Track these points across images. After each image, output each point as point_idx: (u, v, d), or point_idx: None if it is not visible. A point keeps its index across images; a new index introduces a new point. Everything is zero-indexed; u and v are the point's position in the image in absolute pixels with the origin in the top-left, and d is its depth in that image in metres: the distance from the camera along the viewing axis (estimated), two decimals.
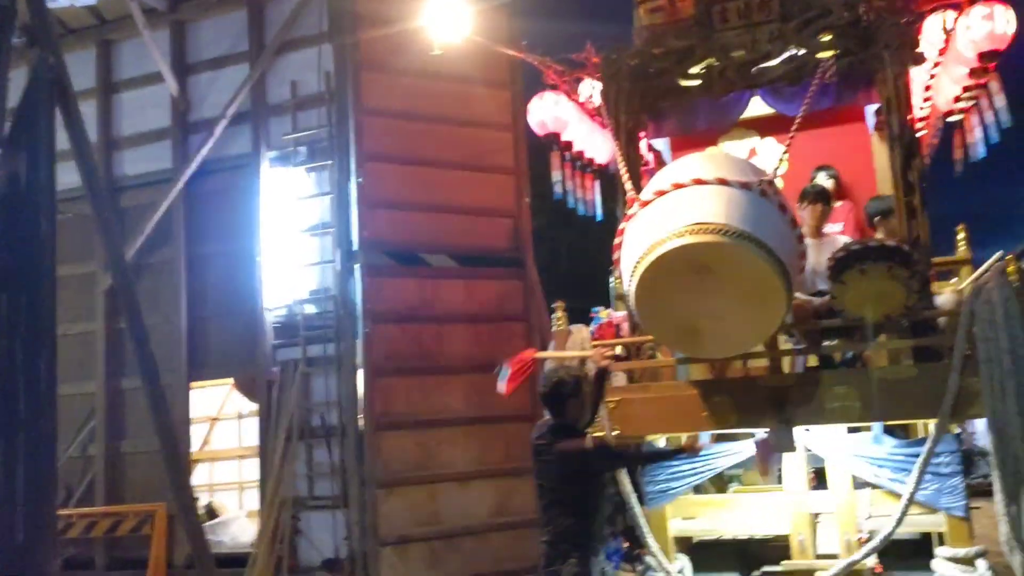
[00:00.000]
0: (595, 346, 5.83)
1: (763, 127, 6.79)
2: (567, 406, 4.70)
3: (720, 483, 7.02)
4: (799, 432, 5.44)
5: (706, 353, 5.30)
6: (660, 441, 6.36)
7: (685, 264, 4.58)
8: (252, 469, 10.26)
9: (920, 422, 5.95)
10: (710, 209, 4.61)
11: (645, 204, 4.98)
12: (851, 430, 5.76)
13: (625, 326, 6.16)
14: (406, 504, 8.63)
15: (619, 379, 5.82)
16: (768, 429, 5.36)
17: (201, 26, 10.22)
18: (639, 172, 6.04)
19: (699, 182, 4.79)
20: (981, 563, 5.02)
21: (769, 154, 6.76)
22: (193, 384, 9.94)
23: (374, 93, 9.16)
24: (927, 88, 6.15)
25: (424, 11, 6.30)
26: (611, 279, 6.95)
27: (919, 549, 5.67)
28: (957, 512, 5.26)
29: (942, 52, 5.78)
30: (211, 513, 10.40)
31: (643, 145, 6.45)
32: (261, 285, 9.39)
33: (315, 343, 9.13)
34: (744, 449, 5.91)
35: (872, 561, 5.43)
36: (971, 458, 10.84)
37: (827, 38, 5.68)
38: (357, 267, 8.92)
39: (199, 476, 11.21)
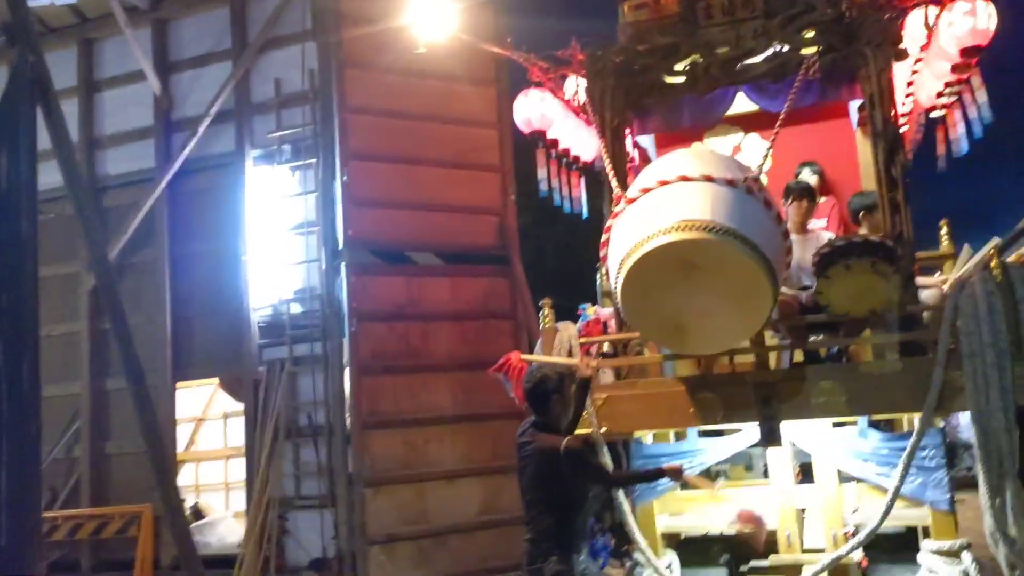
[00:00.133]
0: (582, 344, 5.84)
1: (747, 123, 6.81)
2: (550, 403, 4.67)
3: (707, 479, 7.03)
4: (785, 427, 5.46)
5: (693, 349, 5.31)
6: (647, 437, 6.39)
7: (672, 261, 4.58)
8: (238, 469, 10.22)
9: (905, 416, 6.01)
10: (696, 206, 4.62)
11: (631, 201, 4.98)
12: (836, 425, 5.79)
13: (612, 323, 6.17)
14: (394, 503, 8.61)
15: (606, 376, 5.83)
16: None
17: (183, 24, 10.15)
18: (625, 169, 6.04)
19: (685, 179, 4.79)
20: (966, 556, 5.06)
21: (753, 150, 6.79)
22: (178, 384, 9.88)
23: (358, 91, 9.13)
24: (909, 84, 6.18)
25: (408, 9, 6.29)
26: (597, 276, 6.97)
27: (905, 542, 5.71)
28: (942, 505, 5.31)
29: (924, 48, 5.80)
30: (197, 514, 10.35)
31: (628, 142, 6.45)
32: (246, 284, 9.35)
33: (301, 342, 9.10)
34: (731, 445, 5.94)
35: (859, 555, 5.46)
36: (954, 451, 10.93)
37: (810, 34, 5.71)
38: (343, 266, 8.90)
39: (185, 477, 11.14)
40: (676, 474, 4.91)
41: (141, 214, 9.72)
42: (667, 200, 4.78)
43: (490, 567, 8.41)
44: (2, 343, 4.74)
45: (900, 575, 5.57)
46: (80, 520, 9.19)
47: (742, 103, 6.25)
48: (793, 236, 5.52)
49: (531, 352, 6.89)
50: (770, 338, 5.63)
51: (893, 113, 5.56)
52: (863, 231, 5.94)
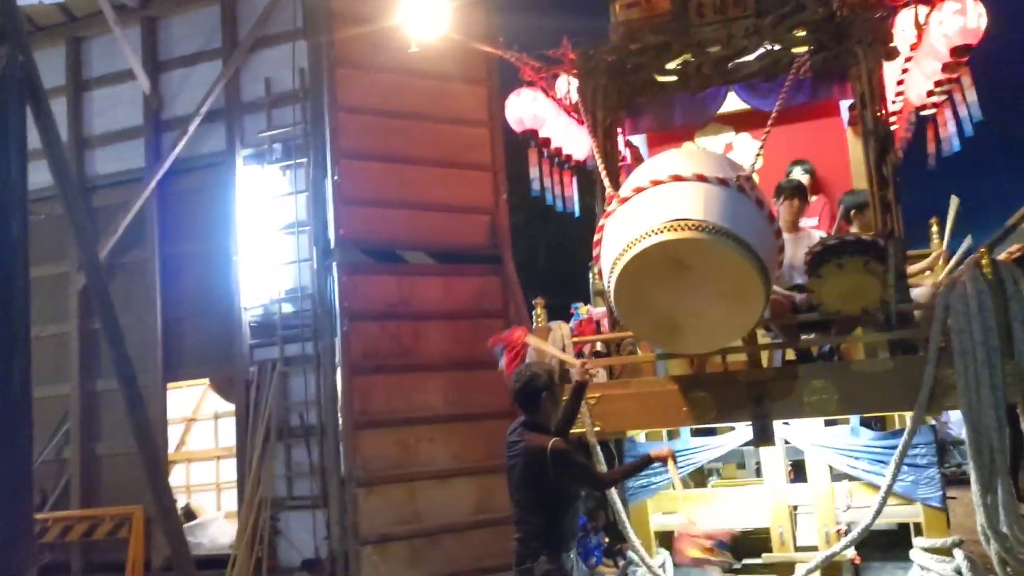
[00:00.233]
0: (575, 343, 5.84)
1: (738, 122, 6.84)
2: (540, 402, 4.57)
3: (700, 477, 7.06)
4: (778, 426, 5.48)
5: (686, 348, 5.32)
6: (640, 436, 6.40)
7: (664, 260, 4.59)
8: (229, 470, 10.18)
9: (896, 414, 6.03)
10: (689, 205, 4.63)
11: (624, 200, 4.99)
12: (828, 423, 5.81)
13: (604, 322, 6.18)
14: (386, 503, 8.59)
15: (599, 375, 5.83)
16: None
17: (173, 23, 10.09)
18: (617, 168, 6.05)
19: (678, 178, 4.80)
20: (958, 553, 5.08)
21: (744, 149, 6.82)
22: (169, 385, 9.84)
23: (349, 90, 9.10)
24: (899, 83, 6.20)
25: (399, 8, 6.27)
26: (590, 275, 6.98)
27: (897, 540, 5.74)
28: (934, 503, 5.33)
29: (914, 47, 5.83)
30: (189, 515, 10.30)
31: (619, 141, 6.46)
32: (237, 284, 9.30)
33: (292, 342, 9.07)
34: (724, 444, 5.95)
35: (851, 552, 5.48)
36: (944, 448, 11.00)
37: (801, 33, 5.73)
38: (334, 265, 8.86)
39: (175, 477, 11.09)
40: (666, 459, 4.70)
41: (131, 214, 9.67)
42: (660, 199, 4.79)
43: (483, 567, 8.40)
44: None
45: (893, 572, 5.60)
46: (70, 522, 9.14)
47: (733, 102, 6.27)
48: (784, 235, 5.53)
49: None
50: (762, 337, 5.64)
51: (884, 112, 5.58)
52: (854, 229, 5.96)
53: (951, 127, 5.82)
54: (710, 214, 4.57)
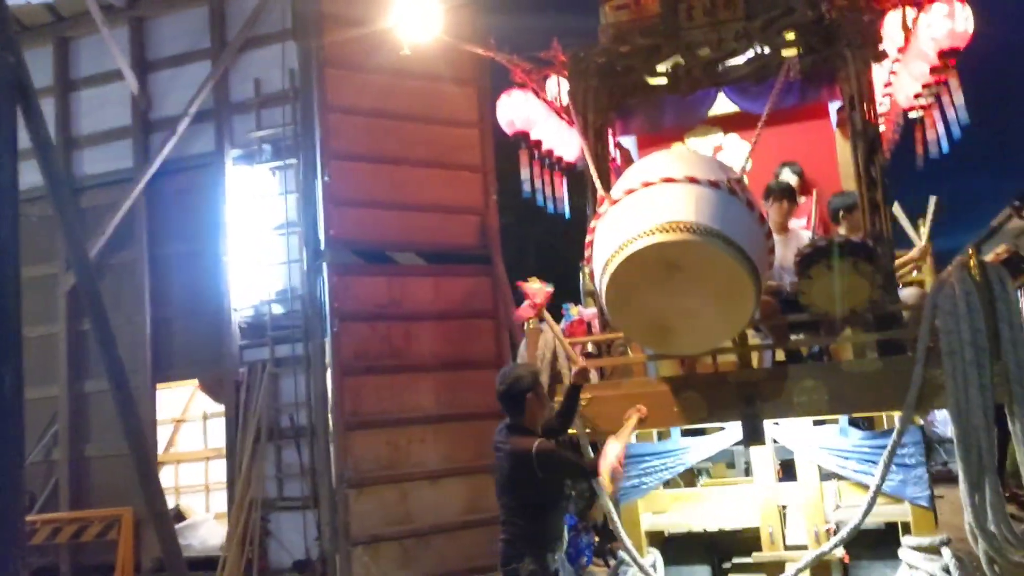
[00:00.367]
0: (571, 343, 5.86)
1: (728, 124, 6.87)
2: (525, 403, 4.56)
3: (689, 477, 7.09)
4: (767, 425, 5.51)
5: (677, 349, 5.35)
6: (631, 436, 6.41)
7: (656, 262, 4.61)
8: (218, 471, 10.16)
9: (885, 414, 6.07)
10: (680, 207, 4.64)
11: (615, 202, 5.00)
12: (817, 423, 5.85)
13: (595, 323, 6.20)
14: (377, 503, 8.59)
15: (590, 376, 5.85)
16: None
17: (161, 23, 10.07)
18: (608, 170, 6.07)
19: (668, 180, 4.82)
20: (946, 551, 5.11)
21: (734, 151, 6.84)
22: (158, 385, 9.81)
23: (339, 90, 9.08)
24: (887, 85, 6.25)
25: (390, 9, 6.27)
26: (581, 276, 6.99)
27: (885, 539, 5.77)
28: (922, 502, 5.36)
29: (902, 49, 5.87)
30: (178, 516, 10.27)
31: (610, 142, 6.48)
32: (227, 285, 9.29)
33: (283, 343, 9.07)
34: (714, 444, 5.98)
35: (840, 551, 5.52)
36: (930, 446, 11.05)
37: (791, 36, 5.76)
38: (324, 266, 8.85)
39: (164, 479, 11.06)
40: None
41: (120, 215, 9.64)
42: (651, 201, 4.80)
43: (474, 567, 8.41)
44: None
45: (881, 571, 5.63)
46: (59, 524, 9.11)
47: (722, 104, 6.29)
48: (774, 236, 5.57)
49: (514, 354, 6.91)
50: (752, 338, 5.68)
51: (872, 114, 5.62)
52: (843, 231, 6.00)
53: (939, 129, 5.87)
54: (701, 216, 4.59)
